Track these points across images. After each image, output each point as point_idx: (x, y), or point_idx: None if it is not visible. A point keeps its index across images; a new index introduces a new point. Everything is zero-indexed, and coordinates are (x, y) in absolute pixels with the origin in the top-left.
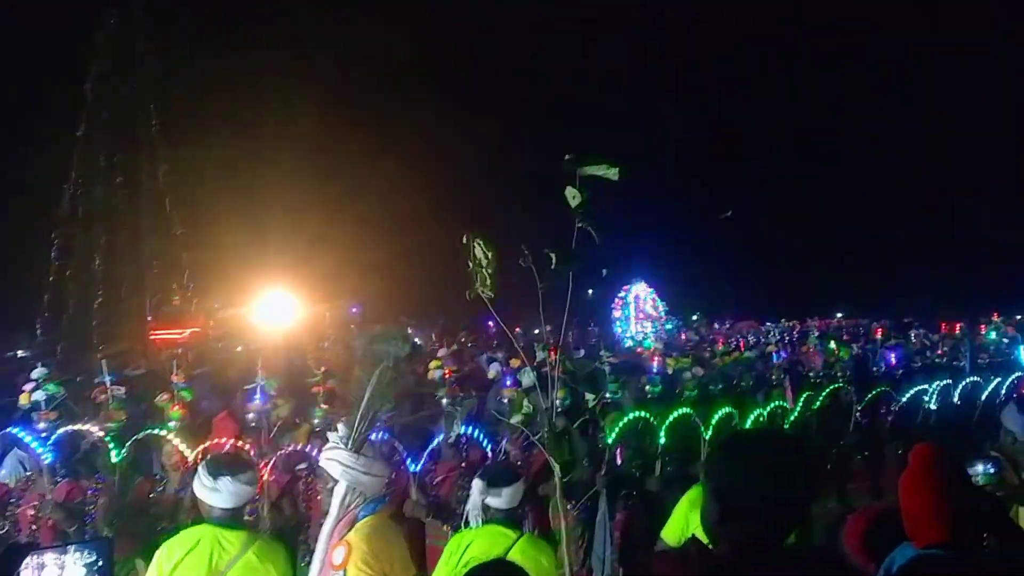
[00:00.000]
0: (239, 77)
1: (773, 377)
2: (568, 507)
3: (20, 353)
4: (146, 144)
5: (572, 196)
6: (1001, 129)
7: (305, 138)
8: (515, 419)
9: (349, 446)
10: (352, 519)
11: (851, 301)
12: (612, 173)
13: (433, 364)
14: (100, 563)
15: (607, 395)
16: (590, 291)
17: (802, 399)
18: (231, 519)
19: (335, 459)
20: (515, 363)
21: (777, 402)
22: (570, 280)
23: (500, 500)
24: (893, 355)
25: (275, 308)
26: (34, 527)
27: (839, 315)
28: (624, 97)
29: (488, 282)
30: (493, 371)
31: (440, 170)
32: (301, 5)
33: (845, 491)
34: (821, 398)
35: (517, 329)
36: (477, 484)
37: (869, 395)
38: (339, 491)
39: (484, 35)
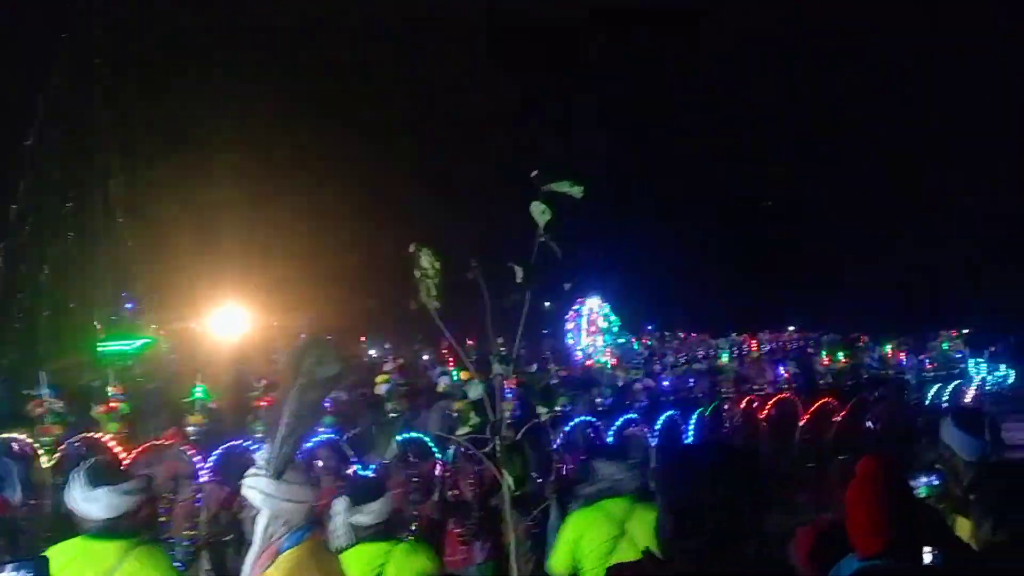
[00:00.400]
0: (191, 89)
1: (722, 390)
2: (521, 519)
3: None
4: (97, 155)
5: (540, 211)
6: (957, 144)
7: (258, 150)
8: (461, 432)
9: (269, 472)
10: (274, 552)
11: (803, 316)
12: (576, 191)
13: (380, 378)
14: None
15: (557, 408)
16: (546, 303)
17: (741, 409)
18: (107, 530)
19: (255, 487)
20: (465, 376)
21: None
22: (526, 294)
23: (367, 517)
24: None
25: (227, 320)
26: None
27: (791, 328)
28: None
29: (434, 292)
30: (442, 384)
31: (395, 182)
32: (253, 20)
33: (790, 503)
34: (767, 409)
35: (470, 342)
36: (341, 503)
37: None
38: (261, 521)
39: (427, 50)
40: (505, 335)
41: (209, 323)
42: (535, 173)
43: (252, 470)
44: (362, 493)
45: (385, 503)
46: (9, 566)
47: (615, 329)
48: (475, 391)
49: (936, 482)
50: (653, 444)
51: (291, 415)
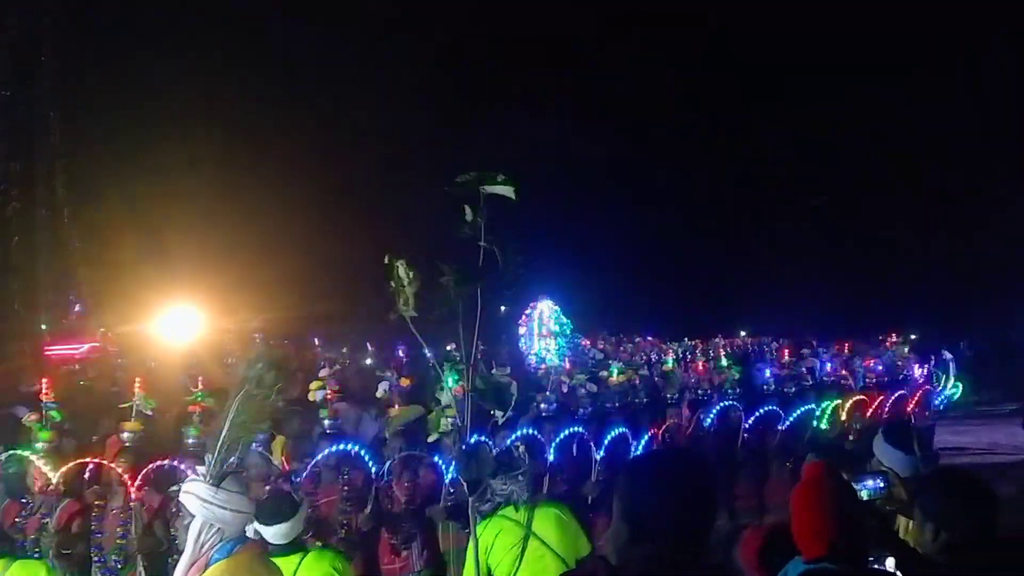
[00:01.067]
0: (142, 88)
1: (668, 395)
2: (458, 528)
3: None
4: (43, 154)
5: (467, 214)
6: (914, 148)
7: (209, 150)
8: (432, 438)
9: (208, 479)
10: (205, 563)
11: (756, 320)
12: (509, 191)
13: (314, 385)
14: None
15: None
16: (502, 308)
17: (694, 417)
18: None
19: (192, 492)
20: (405, 383)
21: (673, 420)
22: (479, 298)
23: (274, 534)
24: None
25: (177, 324)
26: None
27: (743, 333)
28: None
29: (410, 302)
30: (381, 390)
31: (348, 183)
32: (206, 19)
33: (733, 508)
34: (711, 416)
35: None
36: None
37: (756, 413)
38: (194, 528)
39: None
40: (459, 340)
41: (159, 326)
42: (463, 176)
43: (191, 476)
44: (271, 513)
45: (296, 523)
46: None
47: (567, 332)
48: (446, 397)
49: (882, 485)
50: (597, 453)
51: (233, 423)
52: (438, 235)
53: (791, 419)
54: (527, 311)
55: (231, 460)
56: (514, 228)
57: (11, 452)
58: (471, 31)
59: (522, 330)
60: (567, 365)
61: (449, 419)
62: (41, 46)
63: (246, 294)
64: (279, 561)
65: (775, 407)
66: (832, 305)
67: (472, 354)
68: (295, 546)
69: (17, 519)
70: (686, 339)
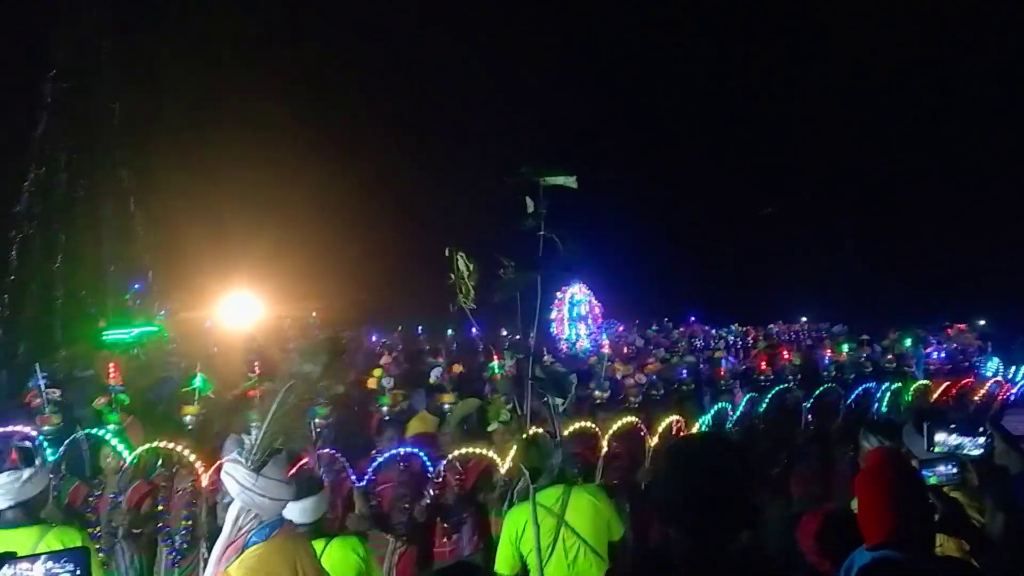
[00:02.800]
0: (203, 79)
1: (723, 383)
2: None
3: None
4: (108, 144)
5: (529, 206)
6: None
7: (270, 139)
8: (492, 427)
9: (249, 463)
10: (241, 545)
11: (816, 307)
12: (571, 182)
13: (376, 372)
14: (78, 571)
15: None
16: (557, 295)
17: (744, 401)
18: (15, 519)
19: (232, 475)
20: (456, 369)
21: (721, 405)
22: (538, 287)
23: (300, 512)
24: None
25: (237, 310)
26: None
27: (803, 319)
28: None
29: (471, 294)
30: (434, 377)
31: (407, 174)
32: (267, 11)
33: (789, 495)
34: (767, 400)
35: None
36: None
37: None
38: (232, 510)
39: (446, 42)
40: (513, 327)
41: (219, 312)
42: (524, 168)
43: (232, 457)
44: (297, 488)
45: (320, 500)
46: (46, 555)
47: (597, 314)
48: (504, 386)
49: (953, 471)
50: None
51: (277, 410)
52: (493, 226)
53: (852, 401)
54: (558, 296)
55: (270, 446)
56: (570, 215)
57: (85, 432)
58: (519, 25)
59: (553, 315)
60: (607, 349)
61: (507, 408)
62: (103, 37)
63: (304, 282)
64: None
65: (834, 387)
66: (896, 292)
67: (531, 343)
68: (320, 532)
69: (90, 498)
70: (736, 325)
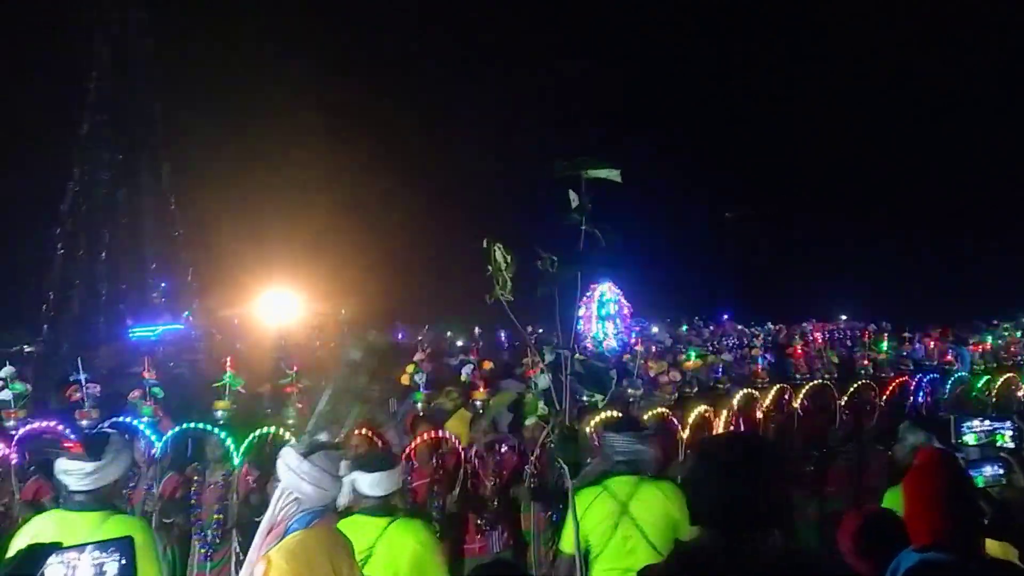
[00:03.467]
0: (243, 79)
1: (758, 380)
2: (541, 509)
3: (26, 348)
4: (149, 143)
5: (573, 199)
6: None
7: (310, 135)
8: (530, 421)
9: (300, 448)
10: (282, 530)
11: (854, 305)
12: (614, 175)
13: (410, 368)
14: (123, 560)
15: (583, 398)
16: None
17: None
18: (82, 503)
19: (283, 458)
20: (486, 366)
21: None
22: (578, 283)
23: (367, 484)
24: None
25: (269, 308)
26: (2, 525)
27: (843, 317)
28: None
29: (508, 286)
30: (464, 374)
31: (445, 170)
32: (305, 11)
33: (823, 493)
34: (800, 397)
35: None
36: (343, 465)
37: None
38: (276, 492)
39: (486, 37)
40: (543, 323)
41: (255, 309)
42: (565, 162)
43: (291, 443)
44: (370, 460)
45: (392, 476)
46: (91, 546)
47: (626, 313)
48: (543, 381)
49: (1000, 471)
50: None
51: (329, 400)
52: (531, 220)
53: (887, 403)
54: (587, 293)
55: (320, 435)
56: (610, 209)
57: (114, 421)
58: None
59: (581, 312)
60: (639, 346)
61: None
62: (144, 37)
63: (335, 280)
64: (368, 520)
65: (870, 383)
66: (936, 289)
67: (570, 338)
68: (386, 508)
69: (124, 490)
70: (770, 323)
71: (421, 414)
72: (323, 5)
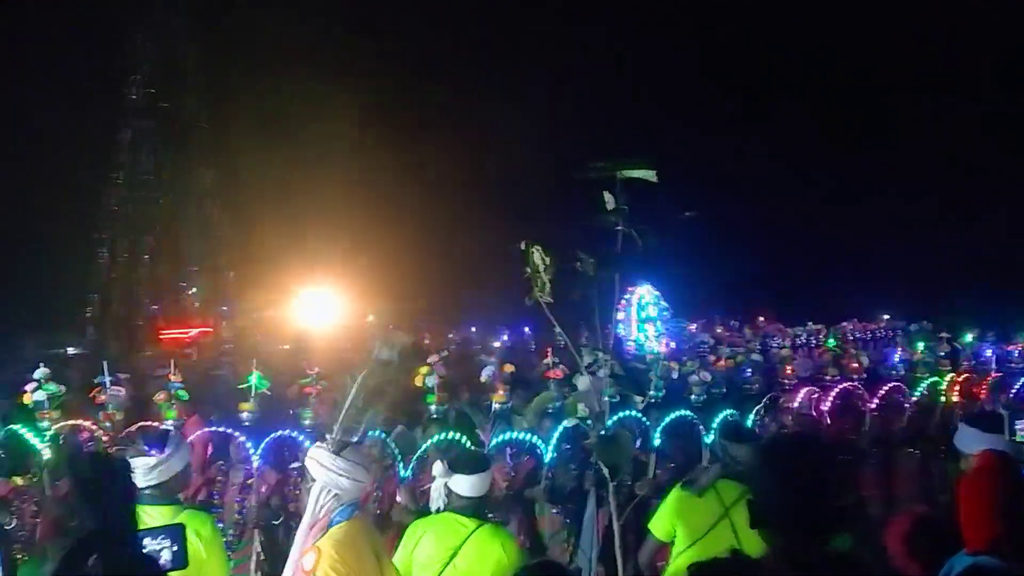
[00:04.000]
0: (286, 85)
1: (788, 382)
2: (554, 510)
3: (71, 351)
4: (190, 147)
5: (608, 200)
6: None
7: (347, 139)
8: (568, 423)
9: (330, 447)
10: (326, 523)
11: (896, 304)
12: (650, 175)
13: (423, 370)
14: (175, 548)
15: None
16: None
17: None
18: (151, 497)
19: (315, 458)
20: (507, 368)
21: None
22: (616, 284)
23: (462, 486)
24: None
25: (309, 309)
26: (35, 522)
27: (886, 317)
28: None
29: (547, 288)
30: (485, 375)
31: (481, 172)
32: (345, 17)
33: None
34: (830, 399)
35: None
36: (440, 467)
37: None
38: (314, 491)
39: (527, 37)
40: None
41: (293, 310)
42: (601, 163)
43: (317, 443)
44: (463, 463)
45: (485, 479)
46: (148, 535)
47: (666, 315)
48: (582, 383)
49: None
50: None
51: (355, 397)
52: (566, 222)
53: (917, 399)
54: (626, 296)
55: (352, 436)
56: (650, 210)
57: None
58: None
59: (620, 315)
60: (663, 348)
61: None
62: (187, 42)
63: (369, 283)
64: (459, 520)
65: (900, 384)
66: (980, 287)
67: (609, 339)
68: (477, 509)
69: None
70: (810, 323)
71: (435, 416)
72: (363, 10)
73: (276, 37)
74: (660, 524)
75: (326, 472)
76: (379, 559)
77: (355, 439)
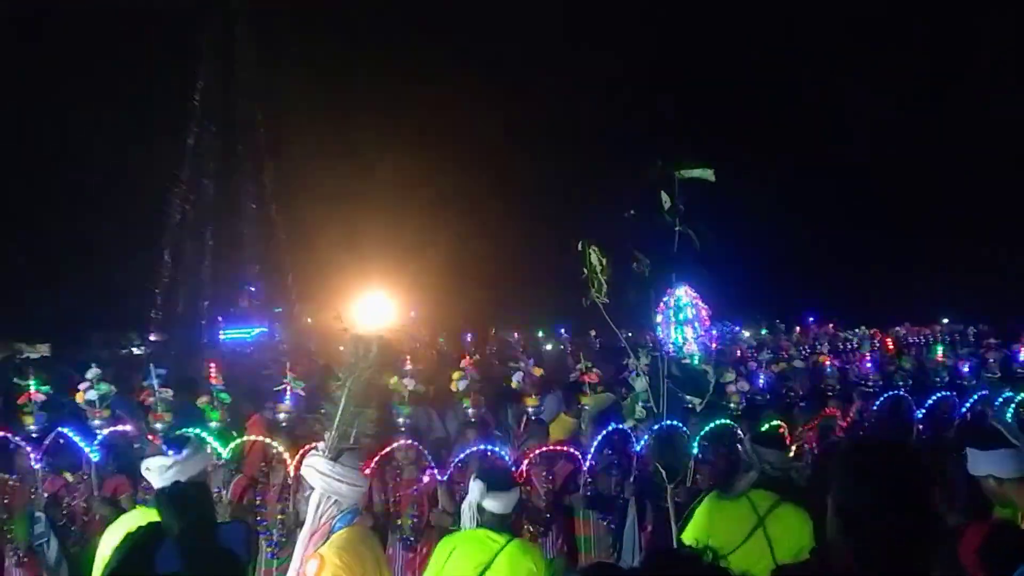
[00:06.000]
0: (342, 84)
1: (828, 387)
2: (599, 517)
3: (135, 351)
4: (251, 152)
5: (664, 201)
6: None
7: (407, 143)
8: (628, 423)
9: (326, 454)
10: (327, 531)
11: (959, 307)
12: (708, 174)
13: (455, 375)
14: (243, 539)
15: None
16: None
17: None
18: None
19: (312, 466)
20: (537, 372)
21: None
22: (673, 284)
23: (496, 504)
24: (966, 365)
25: (366, 310)
26: (85, 519)
27: (945, 320)
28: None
29: (603, 289)
30: (516, 381)
31: (533, 176)
32: (401, 21)
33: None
34: (876, 407)
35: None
36: (477, 486)
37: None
38: (314, 499)
39: (578, 44)
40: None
41: (350, 312)
42: (659, 163)
43: (312, 451)
44: (497, 481)
45: (513, 496)
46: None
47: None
48: (640, 383)
49: None
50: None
51: (346, 403)
52: (618, 222)
53: (968, 408)
54: (664, 298)
55: (345, 435)
56: (705, 210)
57: (182, 431)
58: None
59: (658, 319)
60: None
61: (642, 405)
62: (248, 50)
63: (421, 285)
64: (489, 535)
65: (951, 394)
66: None
67: (669, 340)
68: (505, 525)
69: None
70: (863, 327)
71: (472, 420)
72: (418, 16)
73: (336, 44)
74: (691, 533)
75: (325, 479)
76: (379, 566)
77: (351, 444)
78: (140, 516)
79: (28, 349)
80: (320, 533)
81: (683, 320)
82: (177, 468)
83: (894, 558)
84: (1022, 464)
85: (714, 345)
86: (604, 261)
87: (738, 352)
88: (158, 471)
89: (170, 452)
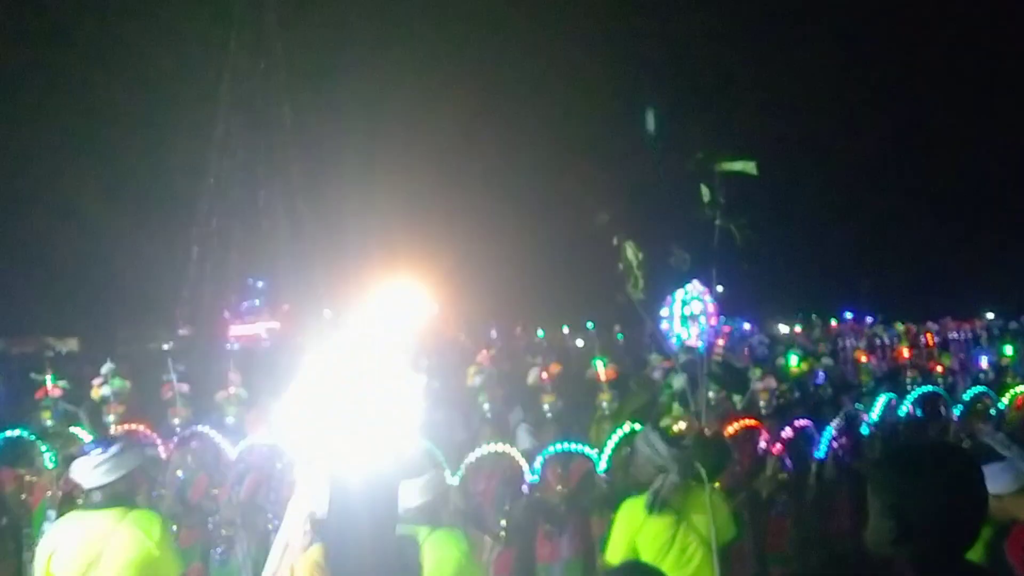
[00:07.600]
0: (373, 78)
1: (865, 386)
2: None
3: (164, 347)
4: (280, 145)
5: (705, 194)
6: None
7: (438, 138)
8: (664, 423)
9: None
10: (307, 543)
11: (1003, 299)
12: (750, 167)
13: (472, 370)
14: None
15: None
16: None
17: (883, 405)
18: (99, 501)
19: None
20: (554, 369)
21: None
22: (713, 278)
23: (408, 495)
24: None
25: (391, 304)
26: None
27: (990, 316)
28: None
29: (640, 284)
30: (532, 376)
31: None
32: (432, 17)
33: None
34: (906, 403)
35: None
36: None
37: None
38: (299, 510)
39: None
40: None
41: (375, 308)
42: (700, 155)
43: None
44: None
45: (430, 483)
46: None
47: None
48: (678, 382)
49: None
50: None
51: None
52: (651, 219)
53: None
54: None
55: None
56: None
57: (197, 429)
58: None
59: (664, 312)
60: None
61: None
62: (276, 45)
63: (441, 280)
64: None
65: (988, 391)
66: None
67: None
68: (424, 517)
69: (215, 490)
70: (899, 323)
71: (488, 415)
72: (450, 13)
73: (365, 40)
74: (616, 552)
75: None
76: None
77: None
78: (72, 520)
79: (57, 343)
80: (300, 546)
81: (689, 315)
82: (106, 466)
83: (956, 560)
84: (1020, 475)
85: (721, 342)
86: (640, 256)
87: (745, 351)
88: (86, 471)
89: (98, 450)
